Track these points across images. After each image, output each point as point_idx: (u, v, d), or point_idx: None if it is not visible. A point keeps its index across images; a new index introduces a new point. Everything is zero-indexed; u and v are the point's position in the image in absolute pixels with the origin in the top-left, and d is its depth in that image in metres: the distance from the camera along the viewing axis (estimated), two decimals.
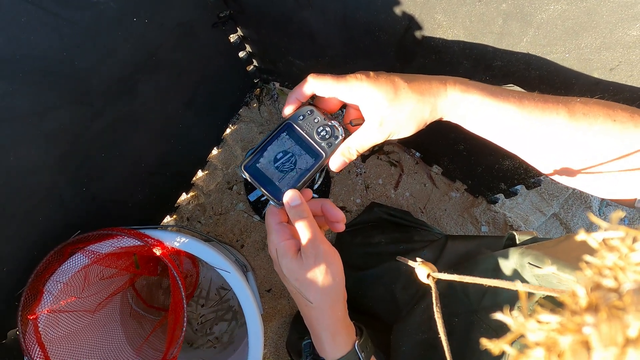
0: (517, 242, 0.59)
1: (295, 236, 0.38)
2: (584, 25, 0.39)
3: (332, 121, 0.39)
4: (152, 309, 0.83)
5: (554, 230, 0.94)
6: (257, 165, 0.39)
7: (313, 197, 0.41)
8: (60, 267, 0.58)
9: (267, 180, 0.39)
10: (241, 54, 0.77)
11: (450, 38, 0.49)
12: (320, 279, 0.36)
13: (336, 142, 0.39)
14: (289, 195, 0.38)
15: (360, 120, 0.38)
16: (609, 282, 0.17)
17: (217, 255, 0.60)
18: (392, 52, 0.58)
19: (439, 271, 0.38)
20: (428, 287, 0.37)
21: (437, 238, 0.74)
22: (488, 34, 0.45)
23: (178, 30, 0.56)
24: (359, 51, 0.63)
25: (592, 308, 0.17)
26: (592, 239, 0.19)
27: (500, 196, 0.91)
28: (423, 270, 0.39)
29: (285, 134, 0.39)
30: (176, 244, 0.60)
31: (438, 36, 0.50)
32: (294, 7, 0.56)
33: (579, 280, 0.18)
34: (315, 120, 0.39)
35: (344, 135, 0.39)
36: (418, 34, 0.51)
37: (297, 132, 0.39)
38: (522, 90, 0.38)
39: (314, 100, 0.40)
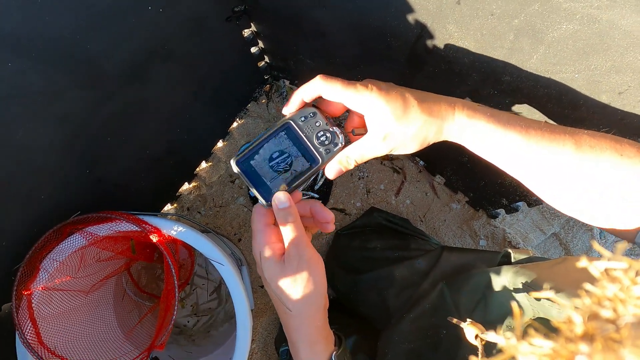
0: (513, 260, 0.58)
1: (280, 240, 0.37)
2: (595, 47, 0.39)
3: (334, 127, 0.38)
4: (145, 294, 0.84)
5: (553, 250, 0.93)
6: (251, 161, 0.37)
7: (306, 198, 0.41)
8: (58, 246, 0.59)
9: (258, 178, 0.37)
10: (253, 50, 0.78)
11: (461, 49, 0.50)
12: (302, 286, 0.35)
13: (335, 150, 0.38)
14: (278, 197, 0.36)
15: (362, 131, 0.37)
16: (607, 313, 0.17)
17: (213, 247, 0.61)
18: (403, 58, 0.58)
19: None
20: (472, 345, 0.37)
21: (434, 248, 0.74)
22: (499, 48, 0.45)
23: (192, 21, 0.57)
24: (370, 55, 0.63)
25: (588, 337, 0.16)
26: (594, 268, 0.18)
27: (501, 211, 0.91)
28: (472, 331, 0.39)
29: (284, 133, 0.37)
30: (173, 233, 0.61)
31: (449, 47, 0.50)
32: (309, 5, 0.56)
33: (576, 308, 0.18)
34: (317, 124, 0.37)
35: (344, 143, 0.38)
36: (429, 42, 0.51)
37: (297, 133, 0.37)
38: (529, 118, 0.38)
39: (317, 103, 0.39)
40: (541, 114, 0.53)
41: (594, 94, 0.45)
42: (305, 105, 0.38)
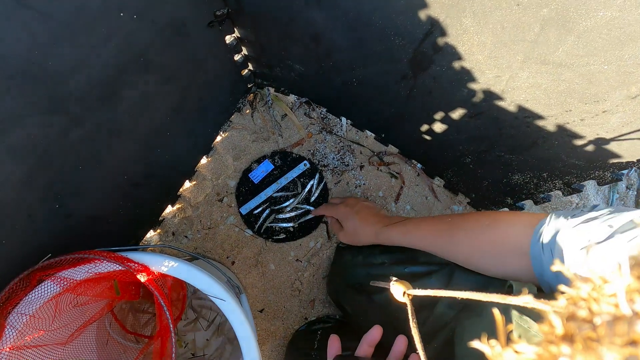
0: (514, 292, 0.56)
1: None
2: (632, 35, 0.35)
3: None
4: (133, 335, 0.75)
5: None
6: None
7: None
8: (26, 297, 0.50)
9: None
10: (237, 57, 0.71)
11: (475, 45, 0.45)
12: None
13: None
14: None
15: None
16: (583, 313, 0.17)
17: (212, 281, 0.54)
18: (406, 58, 0.54)
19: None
20: (404, 305, 0.37)
21: (443, 261, 0.70)
22: (520, 41, 0.41)
23: (170, 28, 0.50)
24: (369, 56, 0.58)
25: (568, 338, 0.17)
26: (567, 270, 0.19)
27: (505, 210, 0.88)
28: (399, 289, 0.38)
29: None
30: (164, 269, 0.53)
31: (462, 43, 0.46)
32: (300, 5, 0.51)
33: (555, 310, 0.18)
34: None
35: None
36: (440, 40, 0.47)
37: None
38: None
39: None
40: (560, 110, 0.49)
41: (623, 86, 0.41)
42: None
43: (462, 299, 0.63)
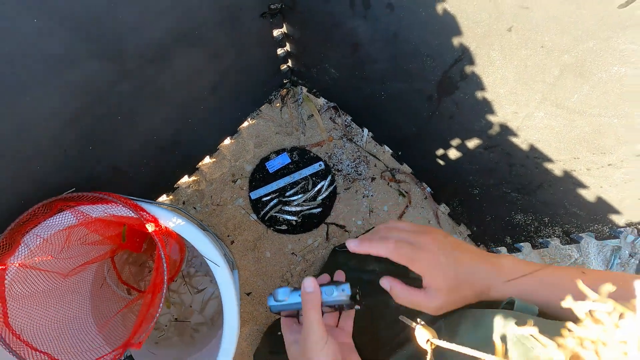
0: (515, 307, 0.56)
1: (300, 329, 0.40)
2: None
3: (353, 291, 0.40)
4: (126, 286, 0.79)
5: None
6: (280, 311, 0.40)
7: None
8: (45, 222, 0.54)
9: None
10: (279, 51, 0.76)
11: (498, 79, 0.49)
12: None
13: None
14: (306, 281, 0.38)
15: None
16: (589, 355, 0.17)
17: (212, 246, 0.57)
18: (435, 80, 0.57)
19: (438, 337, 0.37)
20: (424, 351, 0.36)
21: None
22: (540, 82, 0.45)
23: (227, 10, 0.55)
24: (400, 72, 0.62)
25: None
26: (579, 308, 0.18)
27: (503, 249, 0.89)
28: (424, 334, 0.38)
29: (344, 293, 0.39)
30: (171, 225, 0.57)
31: (487, 74, 0.49)
32: (348, 13, 0.55)
33: (559, 347, 0.17)
34: (337, 305, 0.39)
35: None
36: (467, 68, 0.50)
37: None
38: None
39: None
40: (568, 156, 0.52)
41: (630, 142, 0.44)
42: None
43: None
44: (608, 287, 0.18)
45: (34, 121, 0.48)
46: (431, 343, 0.37)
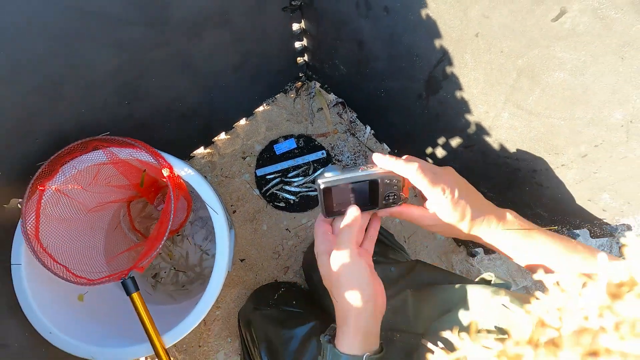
0: (493, 282, 0.62)
1: (333, 242, 0.45)
2: (579, 98, 0.45)
3: (402, 195, 0.47)
4: (136, 232, 0.90)
5: None
6: (332, 187, 0.44)
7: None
8: (82, 156, 0.65)
9: (330, 198, 0.45)
10: (297, 45, 0.87)
11: (472, 80, 0.57)
12: (345, 281, 0.41)
13: (393, 206, 0.47)
14: (352, 209, 0.44)
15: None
16: (553, 321, 0.18)
17: (214, 195, 0.67)
18: (423, 79, 0.66)
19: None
20: None
21: (409, 261, 0.79)
22: (503, 84, 0.52)
23: (253, 0, 0.65)
24: (397, 70, 0.70)
25: (533, 343, 0.18)
26: (547, 279, 0.20)
27: (480, 251, 0.95)
28: (443, 357, 0.43)
29: (367, 184, 0.45)
30: (183, 173, 0.67)
31: (463, 75, 0.58)
32: (354, 13, 0.65)
33: (526, 314, 0.19)
34: (394, 187, 0.46)
35: (400, 205, 0.48)
36: (448, 68, 0.58)
37: (377, 187, 0.45)
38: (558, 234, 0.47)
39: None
40: (530, 156, 0.59)
41: (575, 144, 0.51)
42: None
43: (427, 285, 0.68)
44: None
45: (87, 68, 0.59)
46: None
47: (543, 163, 0.58)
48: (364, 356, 0.41)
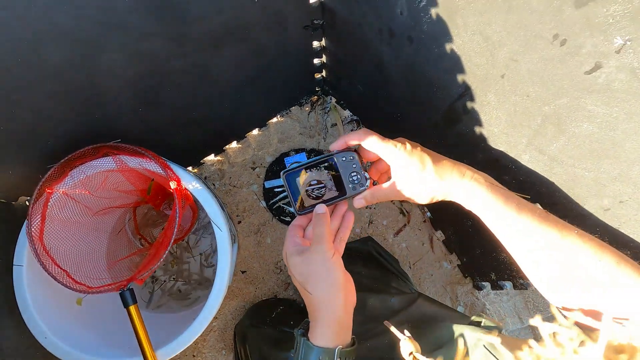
0: (482, 324, 0.61)
1: (303, 244, 0.46)
2: (607, 152, 0.43)
3: (365, 173, 0.47)
4: (140, 237, 0.89)
5: None
6: (297, 178, 0.46)
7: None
8: (91, 162, 0.65)
9: (297, 191, 0.47)
10: (316, 61, 0.86)
11: (493, 118, 0.55)
12: (320, 272, 0.42)
13: (360, 189, 0.47)
14: (319, 206, 0.46)
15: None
16: None
17: (219, 212, 0.66)
18: (442, 110, 0.64)
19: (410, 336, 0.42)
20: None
21: (412, 292, 0.77)
22: (526, 127, 0.50)
23: (275, 16, 0.65)
24: (416, 98, 0.69)
25: None
26: (544, 328, 0.20)
27: (487, 285, 0.93)
28: (408, 346, 0.43)
29: (325, 164, 0.46)
30: (190, 187, 0.66)
31: (485, 113, 0.56)
32: (376, 38, 0.63)
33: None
34: (353, 166, 0.46)
35: (368, 186, 0.47)
36: (469, 104, 0.57)
37: (335, 169, 0.46)
38: (528, 201, 0.44)
39: (357, 148, 0.47)
40: (548, 201, 0.56)
41: (598, 196, 0.48)
42: (348, 148, 0.46)
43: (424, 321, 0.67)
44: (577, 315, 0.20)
45: (106, 76, 0.59)
46: (414, 356, 0.42)
47: (561, 209, 0.56)
48: (336, 349, 0.41)
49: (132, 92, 0.65)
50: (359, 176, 0.47)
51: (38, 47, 0.48)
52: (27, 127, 0.59)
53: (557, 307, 0.40)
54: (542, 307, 0.93)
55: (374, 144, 0.44)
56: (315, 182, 0.47)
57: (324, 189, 0.47)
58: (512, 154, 0.57)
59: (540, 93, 0.44)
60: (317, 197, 0.47)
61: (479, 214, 0.45)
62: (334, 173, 0.46)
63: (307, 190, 0.47)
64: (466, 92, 0.56)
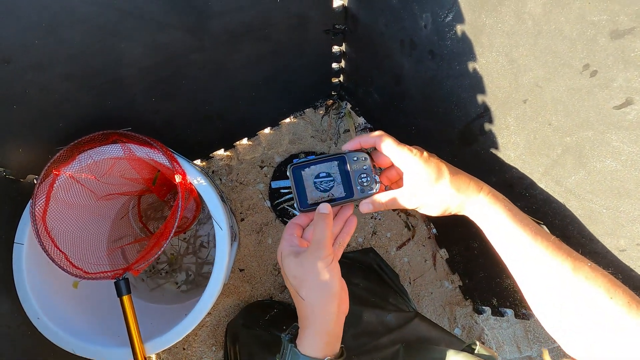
0: (476, 352, 0.59)
1: (300, 245, 0.44)
2: (629, 192, 0.41)
3: (376, 176, 0.45)
4: (142, 225, 0.89)
5: None
6: (302, 171, 0.45)
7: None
8: (100, 147, 0.65)
9: (302, 187, 0.45)
10: (334, 65, 0.84)
11: (511, 143, 0.53)
12: (315, 277, 0.40)
13: (369, 192, 0.45)
14: (323, 205, 0.44)
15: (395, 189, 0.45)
16: None
17: (222, 210, 0.65)
18: (458, 129, 0.62)
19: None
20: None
21: (409, 311, 0.75)
22: (544, 156, 0.48)
23: (296, 18, 0.64)
24: (431, 114, 0.67)
25: None
26: None
27: (488, 310, 0.90)
28: None
29: (336, 162, 0.45)
30: (195, 182, 0.66)
31: (502, 136, 0.53)
32: (397, 50, 0.62)
33: None
34: (364, 167, 0.45)
35: (378, 190, 0.45)
36: (486, 125, 0.55)
37: (346, 167, 0.45)
38: (541, 227, 0.42)
39: (371, 152, 0.46)
40: (561, 233, 0.54)
41: (615, 236, 0.46)
42: (362, 149, 0.45)
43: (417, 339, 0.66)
44: None
45: (123, 65, 0.58)
46: None
47: (574, 244, 0.53)
48: (325, 358, 0.40)
49: (147, 81, 0.65)
50: (369, 178, 0.45)
51: (55, 29, 0.48)
52: (39, 107, 0.59)
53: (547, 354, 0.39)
54: (543, 339, 0.90)
55: (389, 147, 0.42)
56: (325, 174, 0.45)
57: (332, 182, 0.45)
58: (527, 181, 0.55)
59: (564, 123, 0.42)
60: (325, 191, 0.45)
61: (490, 232, 0.43)
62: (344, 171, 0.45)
63: (314, 182, 0.45)
64: (485, 113, 0.54)
